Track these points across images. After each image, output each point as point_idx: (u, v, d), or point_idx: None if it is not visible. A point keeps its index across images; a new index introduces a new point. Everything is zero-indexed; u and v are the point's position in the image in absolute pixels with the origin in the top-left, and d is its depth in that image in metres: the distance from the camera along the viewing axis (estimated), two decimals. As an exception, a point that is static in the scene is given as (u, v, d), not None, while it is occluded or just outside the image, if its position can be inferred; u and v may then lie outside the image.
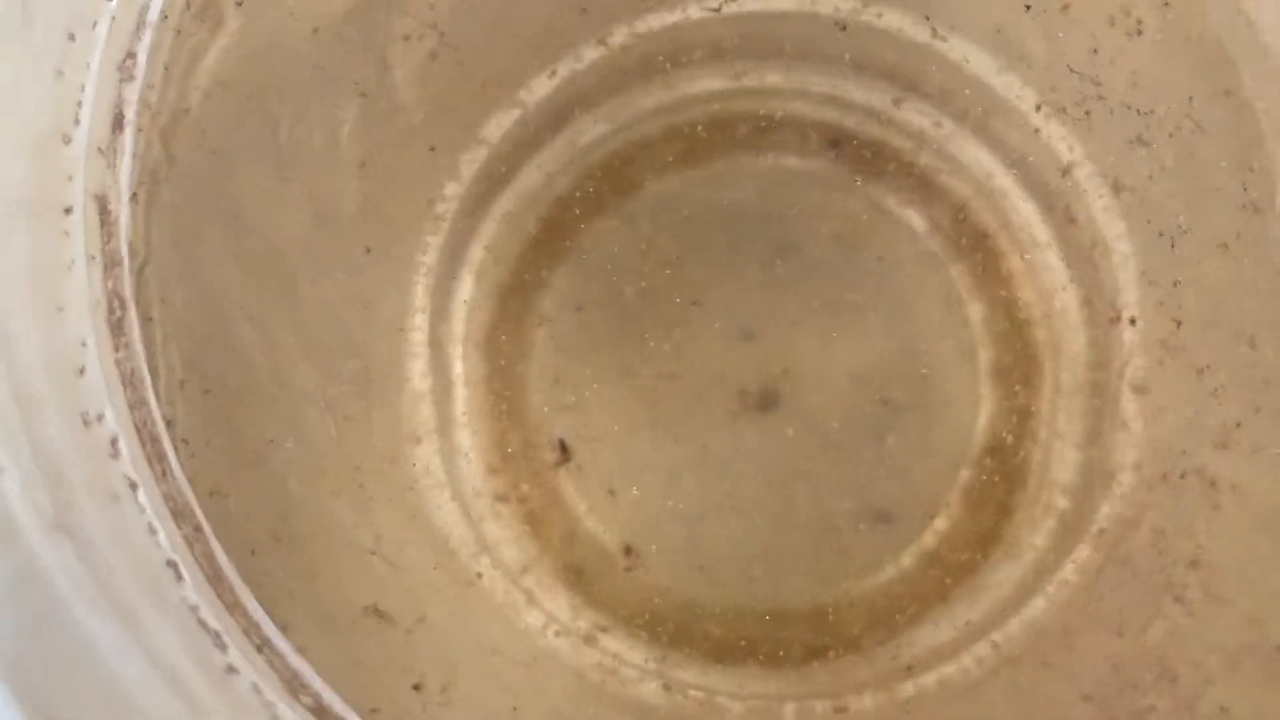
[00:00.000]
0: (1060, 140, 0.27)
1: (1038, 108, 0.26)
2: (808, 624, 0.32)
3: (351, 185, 0.27)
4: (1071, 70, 0.23)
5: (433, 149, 0.26)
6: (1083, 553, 0.25)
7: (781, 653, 0.30)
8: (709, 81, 0.34)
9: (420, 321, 0.29)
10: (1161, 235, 0.23)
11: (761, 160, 0.35)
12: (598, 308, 0.34)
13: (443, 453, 0.29)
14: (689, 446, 0.33)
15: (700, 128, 0.35)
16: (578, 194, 0.35)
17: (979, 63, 0.27)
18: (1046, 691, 0.22)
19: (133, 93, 0.17)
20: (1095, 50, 0.22)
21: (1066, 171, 0.27)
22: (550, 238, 0.35)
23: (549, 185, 0.34)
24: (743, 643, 0.31)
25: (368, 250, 0.28)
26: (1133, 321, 0.25)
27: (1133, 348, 0.25)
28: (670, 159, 0.35)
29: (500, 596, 0.26)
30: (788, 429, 0.33)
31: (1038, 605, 0.25)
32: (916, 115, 0.32)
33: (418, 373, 0.28)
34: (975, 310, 0.33)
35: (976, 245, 0.33)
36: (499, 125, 0.29)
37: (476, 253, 0.33)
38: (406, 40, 0.26)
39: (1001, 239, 0.33)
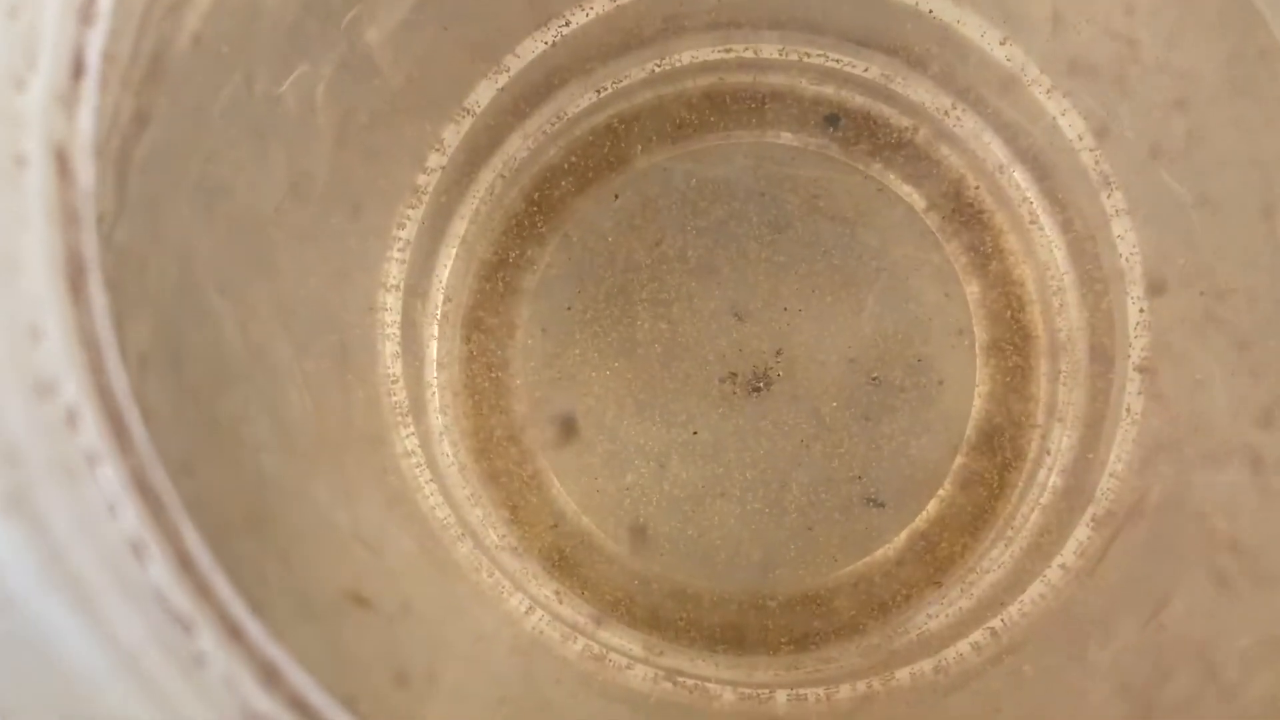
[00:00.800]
0: (1071, 112, 0.26)
1: (1044, 79, 0.25)
2: (800, 610, 0.31)
3: (329, 151, 0.26)
4: (1083, 36, 0.22)
5: (414, 116, 0.25)
6: (1083, 534, 0.24)
7: (773, 639, 0.29)
8: (703, 52, 0.33)
9: (400, 298, 0.27)
10: (1194, 204, 0.22)
11: (756, 135, 0.34)
12: (584, 286, 0.33)
13: (425, 434, 0.28)
14: (679, 429, 0.32)
15: (693, 100, 0.34)
16: (565, 167, 0.34)
17: (982, 32, 0.26)
18: (1061, 681, 0.21)
19: (95, 38, 0.16)
20: (1129, 10, 0.21)
21: (1077, 143, 0.26)
22: (536, 212, 0.34)
23: (535, 158, 0.33)
24: (734, 629, 0.31)
25: (347, 221, 0.27)
26: (1154, 297, 0.25)
27: (1143, 326, 0.25)
28: (662, 132, 0.34)
29: (486, 582, 0.25)
30: (780, 411, 0.32)
31: (1036, 590, 0.24)
32: (915, 89, 0.31)
33: (394, 351, 0.27)
34: (973, 289, 0.32)
35: (974, 224, 0.32)
36: (484, 93, 0.28)
37: (459, 227, 0.32)
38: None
39: (1000, 216, 0.32)
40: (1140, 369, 0.25)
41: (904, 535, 0.31)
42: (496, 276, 0.34)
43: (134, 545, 0.13)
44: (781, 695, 0.26)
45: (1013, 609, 0.24)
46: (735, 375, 0.33)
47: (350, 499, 0.22)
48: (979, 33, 0.25)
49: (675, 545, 0.32)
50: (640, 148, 0.34)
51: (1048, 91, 0.26)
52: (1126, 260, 0.25)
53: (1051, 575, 0.24)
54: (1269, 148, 0.18)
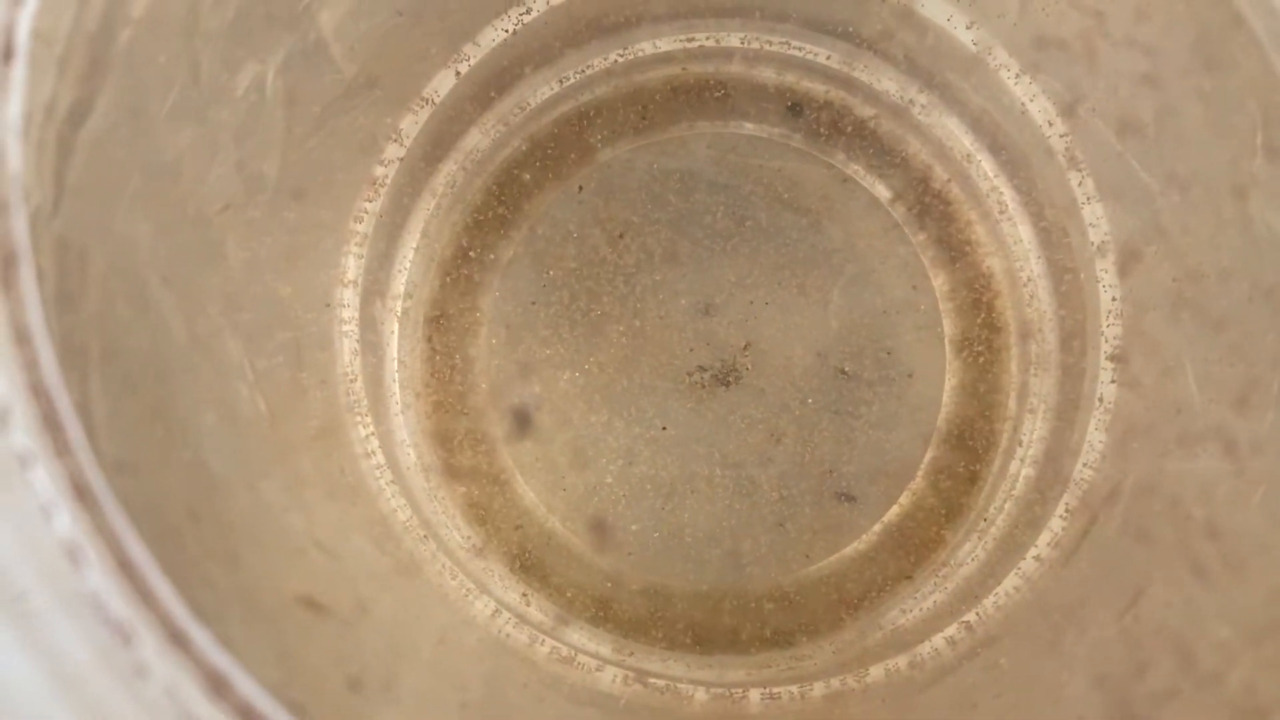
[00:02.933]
0: (1040, 96, 0.26)
1: (1012, 62, 0.25)
2: (772, 607, 0.30)
3: (280, 141, 0.25)
4: (1050, 13, 0.22)
5: (370, 106, 0.24)
6: (1057, 525, 0.24)
7: (746, 637, 0.28)
8: (665, 41, 0.32)
9: (358, 294, 0.27)
10: (1163, 187, 0.22)
11: (719, 125, 0.33)
12: (548, 280, 0.32)
13: (385, 434, 0.28)
14: (647, 425, 0.32)
15: (657, 90, 0.34)
16: (528, 158, 0.33)
17: (947, 16, 0.26)
18: (1037, 674, 0.21)
19: (24, 19, 0.15)
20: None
21: (1046, 129, 0.25)
22: (498, 205, 0.33)
23: (497, 149, 0.32)
24: (705, 628, 0.30)
25: (300, 214, 0.26)
26: (1125, 282, 0.24)
27: (1114, 314, 0.24)
28: (625, 123, 0.33)
29: (449, 585, 0.25)
30: (749, 405, 0.32)
31: (1010, 583, 0.24)
32: (878, 77, 0.31)
33: (353, 349, 0.26)
34: (941, 281, 0.32)
35: (941, 214, 0.32)
36: (443, 82, 0.27)
37: (419, 221, 0.31)
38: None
39: (969, 207, 0.32)
40: (1112, 357, 0.24)
41: (876, 529, 0.31)
42: (459, 271, 0.33)
43: (70, 550, 0.13)
44: (755, 694, 0.26)
45: (987, 602, 0.24)
46: (703, 369, 0.32)
47: (304, 500, 0.21)
48: (944, 16, 0.25)
49: (644, 543, 0.31)
50: (604, 139, 0.33)
51: (1016, 76, 0.25)
52: (1098, 247, 0.25)
53: (1026, 567, 0.24)
54: (1239, 124, 0.18)
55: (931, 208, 0.32)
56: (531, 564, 0.31)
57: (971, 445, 0.31)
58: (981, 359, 0.31)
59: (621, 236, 0.33)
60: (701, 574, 0.31)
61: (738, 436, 0.32)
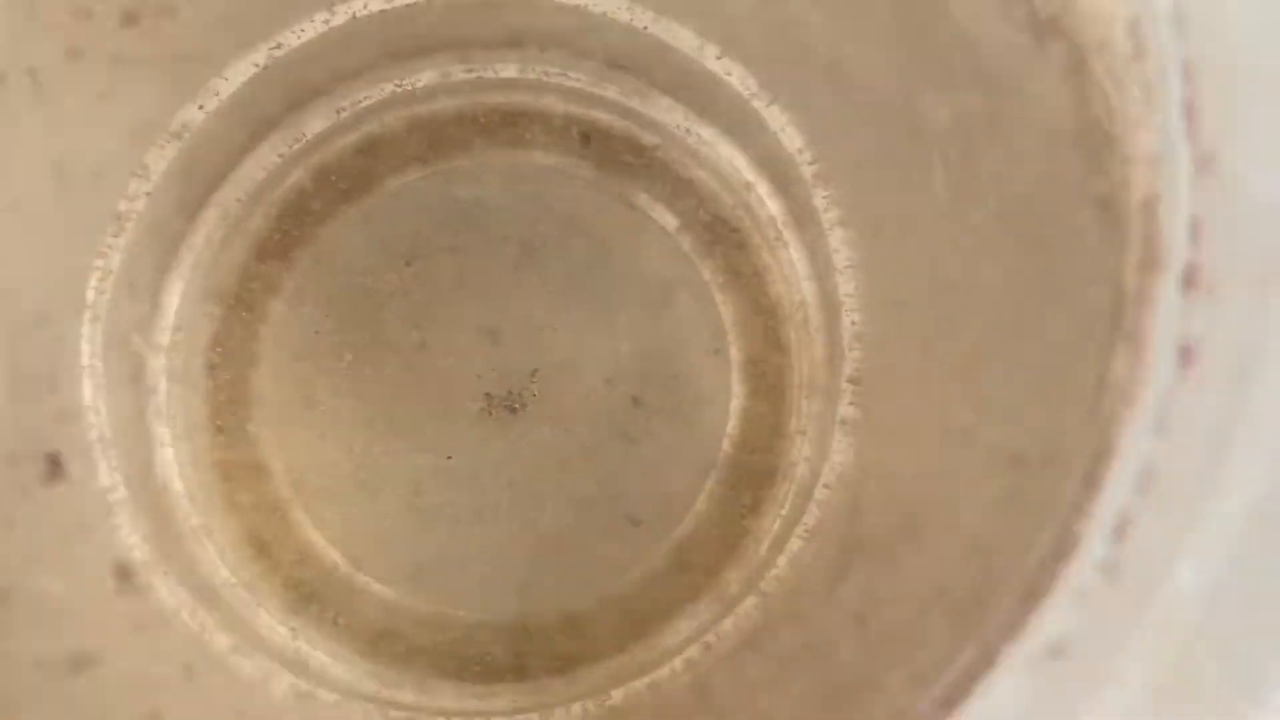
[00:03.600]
0: (788, 127, 0.26)
1: (760, 94, 0.26)
2: (558, 634, 0.30)
3: (35, 164, 0.24)
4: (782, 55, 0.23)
5: (101, 139, 0.23)
6: (795, 546, 0.25)
7: (529, 664, 0.28)
8: (447, 71, 0.32)
9: (101, 328, 0.26)
10: (880, 221, 0.23)
11: (508, 155, 0.33)
12: (332, 310, 0.32)
13: (138, 468, 0.27)
14: (432, 454, 0.31)
15: (444, 120, 0.33)
16: (311, 189, 0.33)
17: (698, 45, 0.26)
18: (778, 687, 0.21)
19: None
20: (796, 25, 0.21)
21: (797, 156, 0.26)
22: (281, 238, 0.32)
23: (276, 180, 0.32)
24: (488, 657, 0.30)
25: (52, 240, 0.25)
26: (867, 309, 0.25)
27: (853, 340, 0.25)
28: (412, 153, 0.33)
29: (187, 623, 0.24)
30: (538, 433, 0.32)
31: (750, 603, 0.24)
32: (654, 107, 0.31)
33: (100, 384, 0.25)
34: (727, 308, 0.33)
35: (727, 242, 0.33)
36: (191, 115, 0.26)
37: (188, 255, 0.30)
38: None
39: (752, 235, 0.32)
40: (851, 379, 0.25)
41: (661, 553, 0.31)
42: (239, 302, 0.32)
43: None
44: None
45: (728, 622, 0.24)
46: (490, 397, 0.32)
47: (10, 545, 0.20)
48: (695, 46, 0.26)
49: (428, 573, 0.31)
50: (390, 169, 0.33)
51: (768, 105, 0.26)
52: (841, 273, 0.26)
53: (766, 586, 0.24)
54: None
55: (720, 235, 0.33)
56: (309, 597, 0.30)
57: (754, 468, 0.31)
58: (766, 383, 0.32)
59: (408, 265, 0.33)
60: (488, 603, 0.31)
61: (526, 463, 0.32)
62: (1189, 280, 0.12)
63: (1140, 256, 0.13)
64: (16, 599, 0.19)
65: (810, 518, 0.24)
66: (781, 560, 0.24)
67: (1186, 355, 0.12)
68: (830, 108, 0.24)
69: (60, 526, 0.21)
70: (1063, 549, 0.12)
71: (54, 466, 0.21)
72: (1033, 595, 0.12)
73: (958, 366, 0.21)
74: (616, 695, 0.23)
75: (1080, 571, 0.12)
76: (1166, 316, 0.12)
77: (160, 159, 0.25)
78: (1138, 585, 0.12)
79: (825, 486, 0.24)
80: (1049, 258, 0.16)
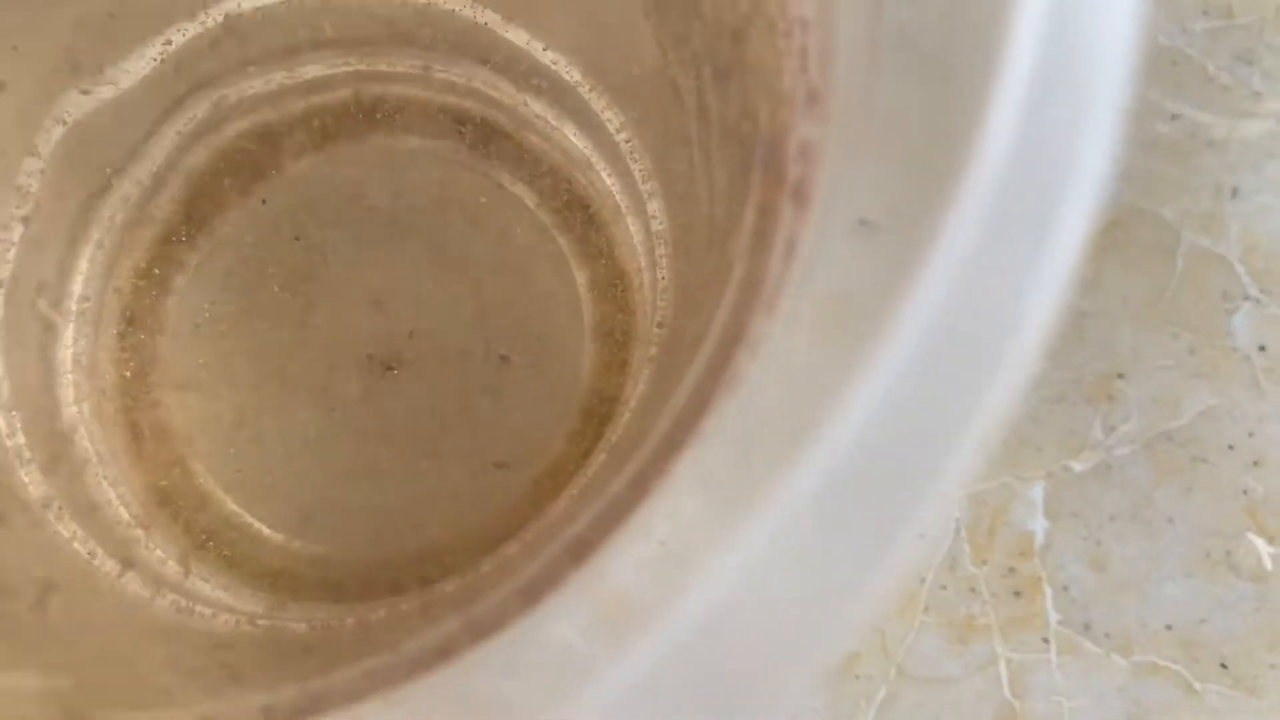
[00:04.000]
0: (605, 110, 0.30)
1: (583, 82, 0.30)
2: (424, 563, 0.34)
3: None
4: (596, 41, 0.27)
5: (11, 114, 0.27)
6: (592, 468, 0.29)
7: (386, 588, 0.32)
8: (326, 66, 0.36)
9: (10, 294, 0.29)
10: (674, 188, 0.27)
11: (388, 140, 0.37)
12: (230, 283, 0.36)
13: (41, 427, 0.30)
14: (317, 410, 0.35)
15: (331, 109, 0.37)
16: (210, 173, 0.36)
17: (527, 40, 0.30)
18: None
19: None
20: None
21: (615, 135, 0.30)
22: (182, 221, 0.36)
23: (175, 163, 0.35)
24: (360, 586, 0.33)
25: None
26: (662, 267, 0.29)
27: (661, 293, 0.29)
28: (303, 140, 0.37)
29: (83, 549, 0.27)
30: (413, 388, 0.36)
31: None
32: (514, 99, 0.35)
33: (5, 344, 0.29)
34: (582, 275, 0.37)
35: (581, 217, 0.37)
36: (82, 104, 0.30)
37: (94, 230, 0.34)
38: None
39: (602, 210, 0.36)
40: (659, 324, 0.29)
41: (524, 491, 0.35)
42: (144, 277, 0.36)
43: None
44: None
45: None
46: (371, 358, 0.36)
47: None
48: (524, 40, 0.30)
49: (316, 518, 0.35)
50: (280, 153, 0.37)
51: (589, 91, 0.30)
52: (657, 238, 0.30)
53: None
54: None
55: (574, 210, 0.37)
56: (205, 541, 0.34)
57: (602, 411, 0.35)
58: (613, 340, 0.36)
59: (297, 239, 0.36)
60: (367, 541, 0.35)
61: (403, 417, 0.35)
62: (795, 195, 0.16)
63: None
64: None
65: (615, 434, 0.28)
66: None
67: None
68: (634, 91, 0.28)
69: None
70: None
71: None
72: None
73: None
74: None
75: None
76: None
77: (47, 142, 0.28)
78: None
79: (630, 410, 0.28)
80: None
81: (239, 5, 0.34)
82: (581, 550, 0.15)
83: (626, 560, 0.14)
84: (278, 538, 0.35)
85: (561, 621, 0.14)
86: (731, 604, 0.14)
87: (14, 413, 0.28)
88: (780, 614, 0.14)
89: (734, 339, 0.16)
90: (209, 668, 0.21)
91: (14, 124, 0.27)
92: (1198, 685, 0.34)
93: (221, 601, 0.28)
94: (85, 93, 0.29)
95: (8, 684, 0.19)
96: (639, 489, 0.15)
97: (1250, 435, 0.35)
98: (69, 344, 0.33)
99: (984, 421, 0.14)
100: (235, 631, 0.26)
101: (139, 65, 0.31)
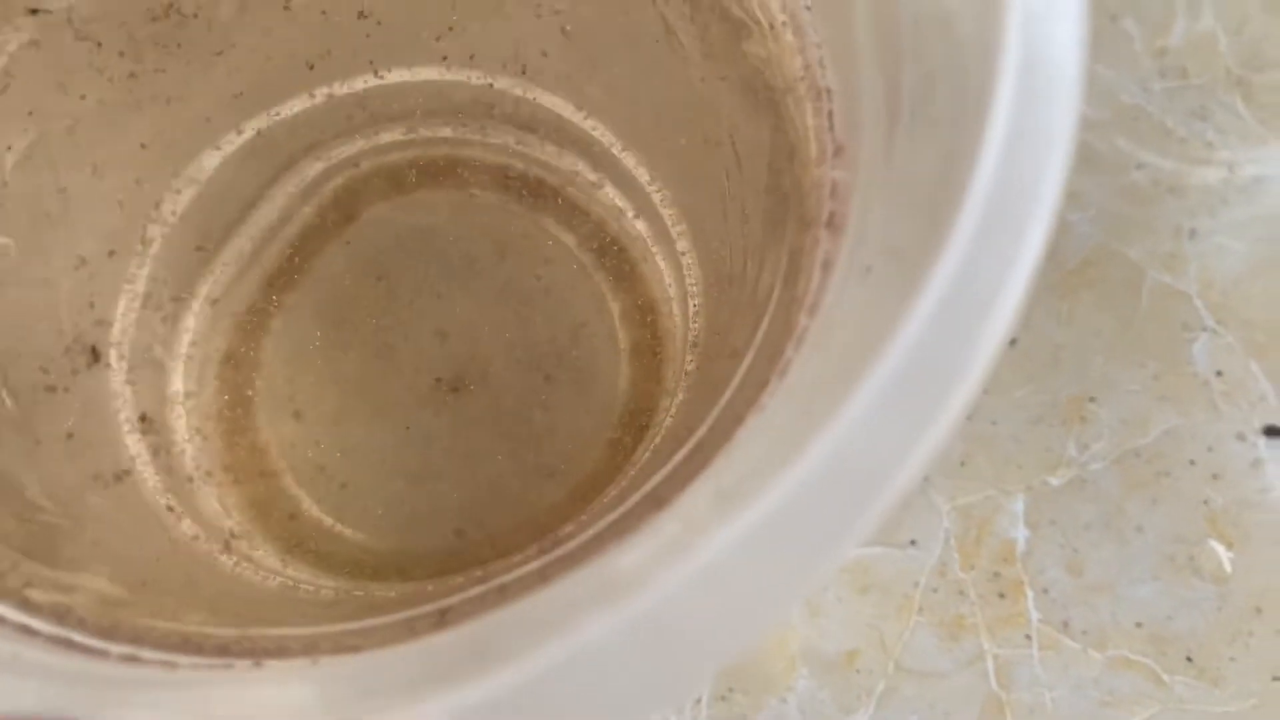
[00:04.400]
0: (638, 167, 0.36)
1: (616, 144, 0.36)
2: (485, 552, 0.40)
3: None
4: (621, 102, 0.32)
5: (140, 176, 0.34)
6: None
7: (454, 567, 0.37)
8: (397, 134, 0.42)
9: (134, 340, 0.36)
10: (701, 230, 0.32)
11: (455, 193, 0.44)
12: (322, 320, 0.42)
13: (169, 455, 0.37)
14: (395, 425, 0.41)
15: (404, 166, 0.44)
16: (307, 226, 0.43)
17: (570, 112, 0.36)
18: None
19: None
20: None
21: (648, 186, 0.36)
22: (284, 265, 0.43)
23: (283, 220, 0.42)
24: (431, 573, 0.39)
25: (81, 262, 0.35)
26: (694, 294, 0.35)
27: (694, 315, 0.35)
28: (382, 192, 0.43)
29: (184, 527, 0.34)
30: (474, 406, 0.41)
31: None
32: (558, 158, 0.41)
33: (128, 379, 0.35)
34: (617, 306, 0.42)
35: (615, 256, 0.42)
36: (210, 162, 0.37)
37: (206, 282, 0.41)
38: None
39: (632, 250, 0.42)
40: (692, 344, 0.35)
41: (570, 491, 0.41)
42: (247, 319, 0.42)
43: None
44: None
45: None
46: (439, 380, 0.42)
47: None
48: (569, 111, 0.36)
49: (390, 521, 0.40)
50: (364, 205, 0.43)
51: (622, 151, 0.36)
52: (688, 272, 0.35)
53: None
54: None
55: (609, 252, 0.42)
56: (299, 542, 0.40)
57: (639, 426, 0.41)
58: (648, 362, 0.42)
59: (379, 280, 0.43)
60: (436, 539, 0.40)
61: (466, 431, 0.41)
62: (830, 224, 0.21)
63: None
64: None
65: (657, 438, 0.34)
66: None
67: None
68: (661, 151, 0.33)
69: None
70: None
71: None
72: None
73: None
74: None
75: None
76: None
77: (177, 201, 0.35)
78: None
79: (670, 417, 0.34)
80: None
81: (342, 86, 0.40)
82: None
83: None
84: (359, 536, 0.41)
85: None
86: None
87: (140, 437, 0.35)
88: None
89: (782, 335, 0.21)
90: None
91: (148, 180, 0.34)
92: (1165, 677, 0.37)
93: (320, 582, 0.34)
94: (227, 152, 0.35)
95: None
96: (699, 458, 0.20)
97: (1210, 451, 0.38)
98: (178, 383, 0.40)
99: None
100: (338, 598, 0.31)
101: (248, 134, 0.37)
